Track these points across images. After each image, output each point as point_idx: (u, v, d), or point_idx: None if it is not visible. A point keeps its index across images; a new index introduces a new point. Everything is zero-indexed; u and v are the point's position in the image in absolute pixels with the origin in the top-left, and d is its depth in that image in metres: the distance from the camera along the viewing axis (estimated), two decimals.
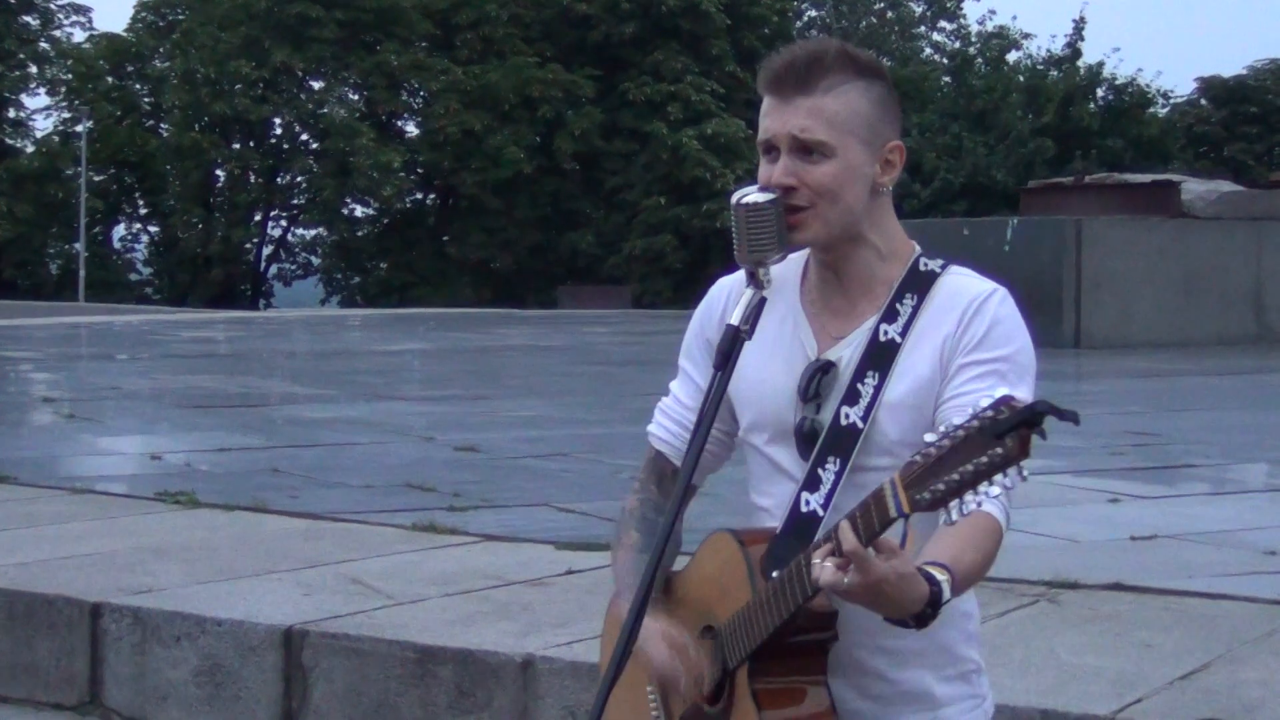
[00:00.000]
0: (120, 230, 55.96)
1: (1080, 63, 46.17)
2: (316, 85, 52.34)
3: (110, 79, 54.46)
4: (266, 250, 55.23)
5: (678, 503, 2.27)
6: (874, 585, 2.00)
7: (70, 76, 53.97)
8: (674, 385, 2.59)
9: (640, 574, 2.27)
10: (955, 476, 1.90)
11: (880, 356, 2.33)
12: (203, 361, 17.72)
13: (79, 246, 49.86)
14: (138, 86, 55.67)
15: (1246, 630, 4.83)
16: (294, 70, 49.95)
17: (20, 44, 53.94)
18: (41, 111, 60.05)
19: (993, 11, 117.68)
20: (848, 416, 2.32)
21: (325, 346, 20.95)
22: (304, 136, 52.85)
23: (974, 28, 55.62)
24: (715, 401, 2.29)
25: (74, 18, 55.78)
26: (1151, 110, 47.70)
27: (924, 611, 2.05)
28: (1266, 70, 48.34)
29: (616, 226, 48.54)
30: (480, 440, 9.68)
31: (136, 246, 56.23)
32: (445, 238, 51.08)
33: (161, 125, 54.64)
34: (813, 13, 61.54)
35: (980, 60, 49.95)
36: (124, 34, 54.86)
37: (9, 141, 54.76)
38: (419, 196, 54.22)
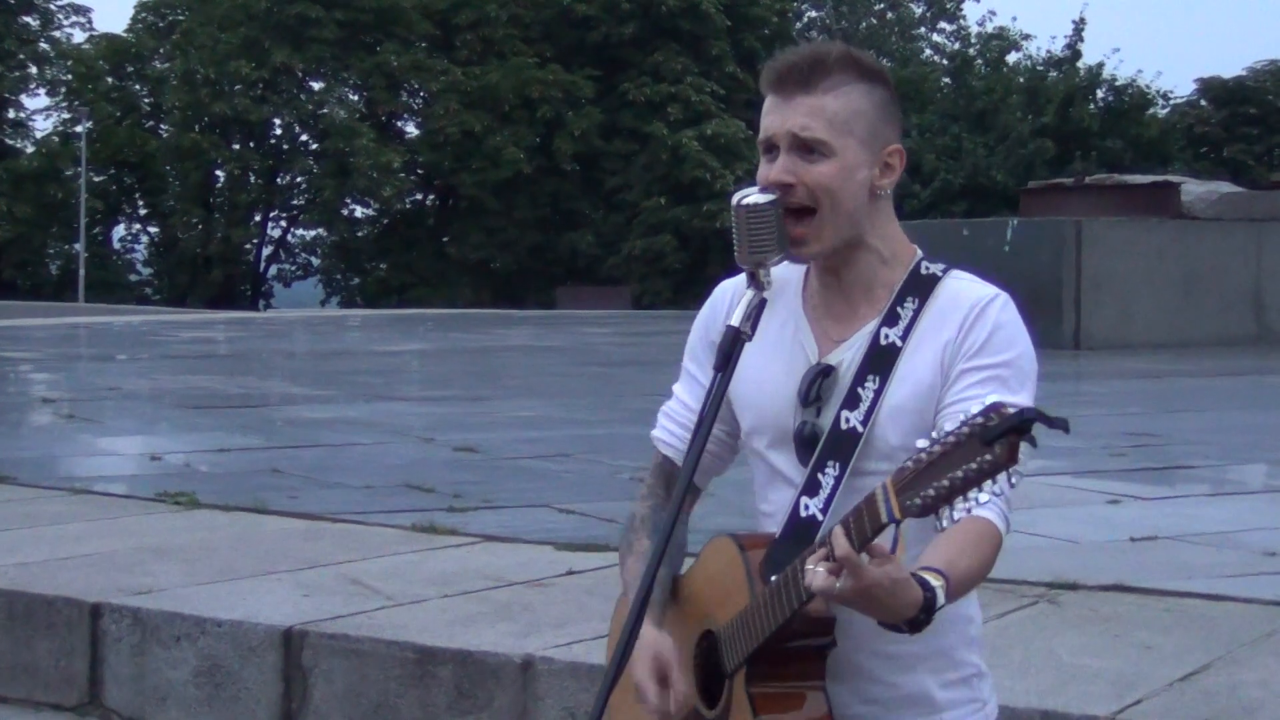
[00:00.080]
0: (120, 231, 56.07)
1: (1080, 64, 46.23)
2: (316, 86, 52.39)
3: (110, 79, 54.50)
4: (266, 251, 55.28)
5: (678, 504, 2.26)
6: (866, 590, 2.00)
7: (70, 77, 54.00)
8: (677, 388, 2.59)
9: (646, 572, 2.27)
10: (945, 482, 1.90)
11: (881, 360, 2.33)
12: (202, 362, 17.71)
13: (79, 247, 49.89)
14: (137, 87, 55.70)
15: (1246, 631, 4.83)
16: (294, 71, 49.98)
17: (20, 44, 53.97)
18: (41, 112, 60.26)
19: (993, 12, 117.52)
20: (848, 421, 2.31)
21: (325, 347, 20.96)
22: (304, 137, 52.91)
23: (974, 29, 55.76)
24: (716, 403, 2.29)
25: (74, 18, 55.92)
26: (1151, 111, 47.72)
27: (917, 617, 2.05)
28: (1266, 71, 48.36)
29: (616, 227, 48.57)
30: (480, 441, 9.68)
31: (136, 247, 56.32)
32: (445, 238, 51.11)
33: (161, 126, 54.67)
34: (813, 13, 61.58)
35: (980, 61, 49.97)
36: (124, 34, 54.92)
37: (9, 142, 54.80)
38: (419, 197, 54.26)
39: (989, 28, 53.12)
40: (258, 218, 54.33)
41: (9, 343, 19.92)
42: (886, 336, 2.34)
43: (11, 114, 55.38)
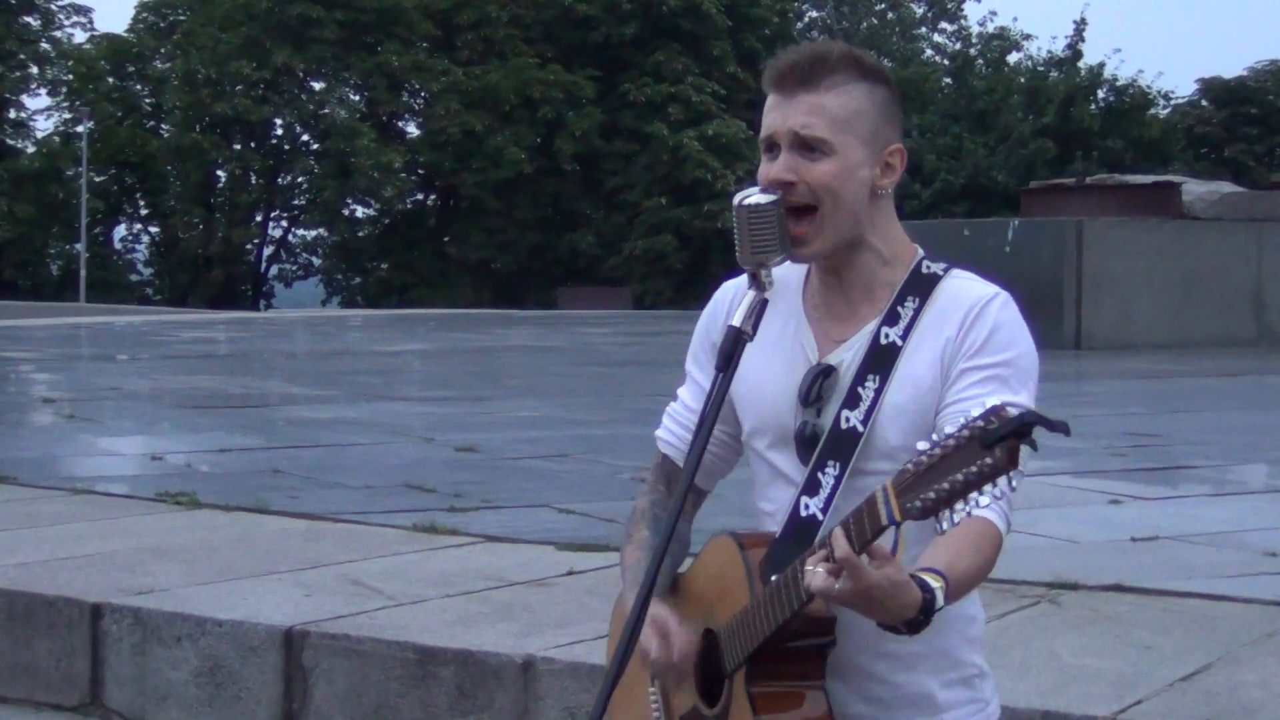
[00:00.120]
0: (121, 231, 56.11)
1: (1081, 64, 46.26)
2: (317, 86, 52.42)
3: (111, 79, 54.52)
4: (267, 251, 55.30)
5: (679, 503, 2.26)
6: (866, 592, 2.00)
7: (71, 77, 54.03)
8: (681, 390, 2.60)
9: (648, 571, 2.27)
10: (945, 486, 1.91)
11: (881, 360, 2.33)
12: (203, 362, 17.72)
13: (79, 247, 49.91)
14: (138, 87, 55.73)
15: (1247, 632, 4.83)
16: (295, 71, 50.00)
17: (21, 44, 53.99)
18: (42, 112, 60.32)
19: (993, 13, 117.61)
20: (848, 420, 2.31)
21: (325, 347, 20.96)
22: (305, 137, 52.94)
23: (975, 29, 55.79)
24: (716, 403, 2.29)
25: (75, 18, 55.95)
26: (1152, 111, 47.74)
27: (916, 618, 2.05)
28: (1267, 71, 48.38)
29: (617, 227, 48.58)
30: (480, 441, 9.68)
31: (137, 247, 56.36)
32: (446, 238, 51.13)
33: (162, 126, 54.70)
34: (813, 13, 61.59)
35: (981, 61, 49.99)
36: (125, 34, 54.95)
37: (10, 142, 54.83)
38: (419, 197, 54.28)
39: (990, 28, 53.23)
40: (259, 218, 54.37)
41: (10, 343, 19.92)
42: (887, 336, 2.34)
43: (12, 114, 55.42)
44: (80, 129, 52.02)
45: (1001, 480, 1.89)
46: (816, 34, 56.66)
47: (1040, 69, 47.40)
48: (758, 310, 2.30)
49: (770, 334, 2.38)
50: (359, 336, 23.26)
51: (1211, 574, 5.68)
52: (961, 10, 61.60)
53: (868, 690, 2.34)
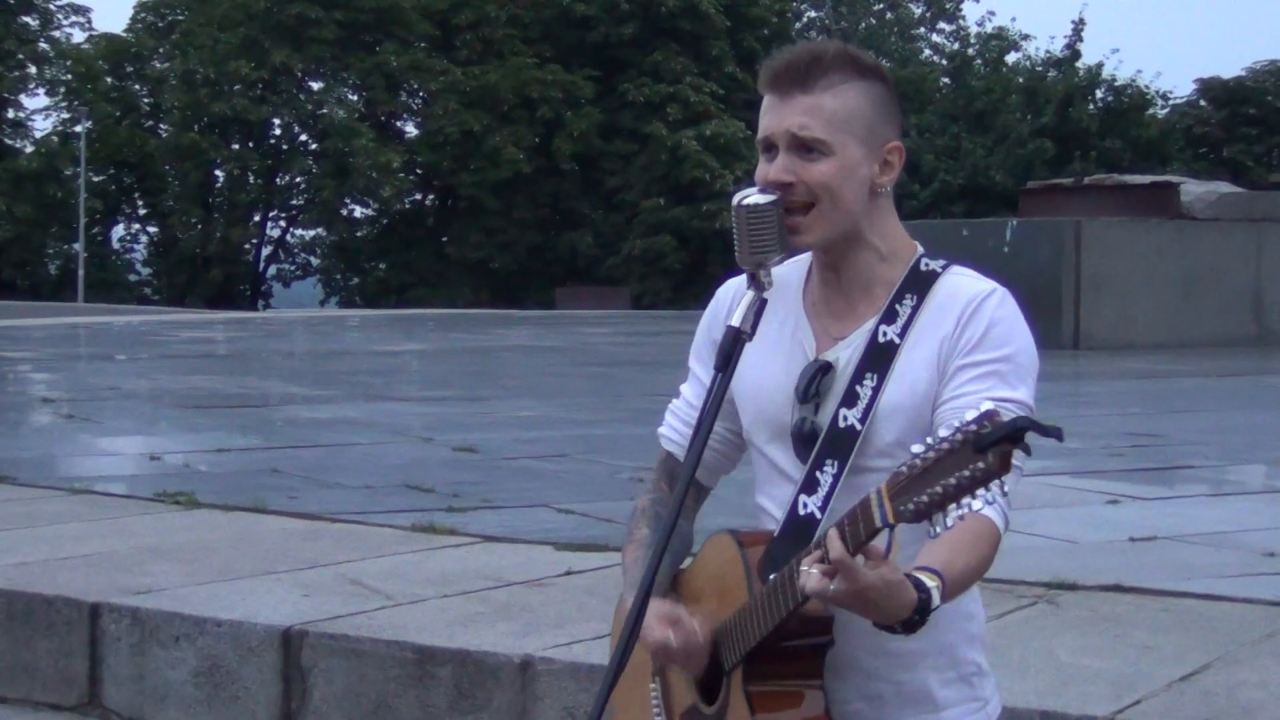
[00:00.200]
0: (119, 230, 56.04)
1: (1079, 64, 46.27)
2: (316, 86, 52.39)
3: (109, 79, 54.46)
4: (265, 251, 55.26)
5: (679, 501, 2.26)
6: (860, 593, 2.01)
7: (69, 77, 53.97)
8: (684, 387, 2.60)
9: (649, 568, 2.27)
10: (939, 489, 1.91)
11: (879, 358, 2.33)
12: (202, 362, 17.71)
13: (78, 247, 49.88)
14: (137, 87, 55.66)
15: (1245, 632, 4.83)
16: (293, 71, 49.99)
17: (20, 44, 53.92)
18: (41, 112, 60.15)
19: (992, 13, 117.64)
20: (846, 418, 2.31)
21: (324, 347, 20.96)
22: (303, 137, 52.91)
23: (973, 29, 55.80)
24: (716, 402, 2.29)
25: (73, 18, 55.85)
26: (1151, 111, 47.74)
27: (911, 618, 2.05)
28: (1266, 71, 48.35)
29: (616, 227, 48.57)
30: (479, 441, 9.68)
31: (135, 247, 56.27)
32: (444, 238, 51.09)
33: (161, 126, 54.64)
34: (812, 14, 61.58)
35: (979, 61, 50.02)
36: (123, 34, 54.87)
37: (8, 142, 54.77)
38: (418, 197, 54.25)
39: (988, 28, 53.26)
40: (257, 218, 54.33)
41: (9, 343, 19.91)
42: (885, 334, 2.34)
43: (11, 114, 55.36)
44: (78, 129, 51.96)
45: (994, 485, 1.89)
46: (815, 34, 56.64)
47: (1039, 69, 47.43)
48: (756, 310, 2.30)
49: (770, 331, 2.38)
50: (357, 336, 23.26)
51: (1210, 574, 5.69)
52: (960, 10, 61.61)
53: (867, 688, 2.34)
